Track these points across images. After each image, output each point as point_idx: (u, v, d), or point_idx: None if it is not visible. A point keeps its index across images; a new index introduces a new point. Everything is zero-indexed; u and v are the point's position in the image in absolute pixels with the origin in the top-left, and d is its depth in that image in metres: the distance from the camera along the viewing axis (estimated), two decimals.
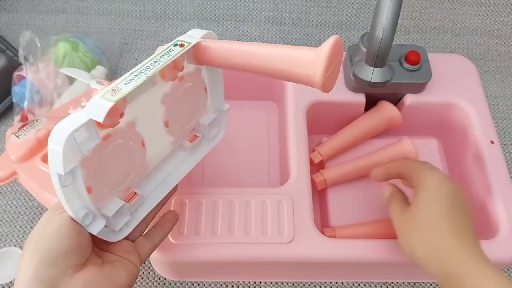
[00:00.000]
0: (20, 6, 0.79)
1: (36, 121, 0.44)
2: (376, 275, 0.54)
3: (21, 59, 0.65)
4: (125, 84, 0.33)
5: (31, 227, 0.58)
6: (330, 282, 0.55)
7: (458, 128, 0.60)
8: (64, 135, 0.30)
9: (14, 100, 0.62)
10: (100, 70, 0.67)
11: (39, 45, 0.66)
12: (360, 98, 0.58)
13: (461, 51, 0.76)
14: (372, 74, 0.51)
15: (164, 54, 0.36)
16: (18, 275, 0.33)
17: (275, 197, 0.49)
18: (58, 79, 0.63)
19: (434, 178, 0.42)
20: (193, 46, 0.38)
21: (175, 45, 0.37)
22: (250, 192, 0.50)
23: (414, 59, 0.56)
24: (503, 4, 0.77)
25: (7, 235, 0.58)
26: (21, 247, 0.57)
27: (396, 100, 0.60)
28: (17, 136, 0.43)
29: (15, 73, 0.63)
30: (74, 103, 0.48)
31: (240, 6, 0.78)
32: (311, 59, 0.33)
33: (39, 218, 0.59)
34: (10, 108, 0.67)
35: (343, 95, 0.58)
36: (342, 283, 0.55)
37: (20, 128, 0.44)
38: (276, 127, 0.65)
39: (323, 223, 0.57)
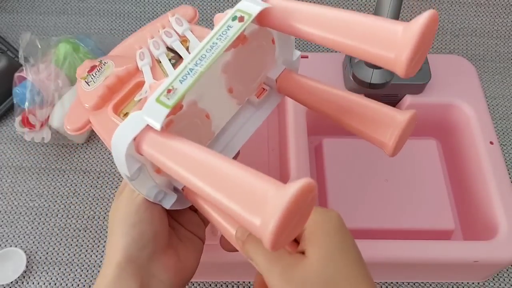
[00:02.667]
0: (21, 7, 0.79)
1: (104, 64, 0.42)
2: (376, 275, 0.55)
3: (22, 60, 0.65)
4: (180, 81, 0.30)
5: (32, 228, 0.59)
6: None
7: (457, 129, 0.60)
8: (124, 144, 0.30)
9: (14, 101, 0.62)
10: None
11: (39, 46, 0.66)
12: None
13: (460, 52, 0.76)
14: (372, 75, 0.52)
15: (222, 35, 0.31)
16: (108, 255, 0.35)
17: None
18: (59, 80, 0.63)
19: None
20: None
21: (234, 18, 0.32)
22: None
23: None
24: (502, 5, 0.77)
25: (8, 236, 0.58)
26: (21, 248, 0.57)
27: (396, 101, 0.61)
28: (87, 83, 0.42)
29: (16, 74, 0.64)
30: (138, 37, 0.45)
31: None
32: (398, 37, 0.27)
33: (40, 219, 0.59)
34: (11, 109, 0.67)
35: None
36: None
37: (89, 73, 0.42)
38: (276, 127, 0.65)
39: None
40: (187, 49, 0.41)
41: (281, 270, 0.29)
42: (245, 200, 0.25)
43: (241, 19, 0.31)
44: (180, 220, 0.40)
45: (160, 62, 0.41)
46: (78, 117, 0.40)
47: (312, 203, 0.25)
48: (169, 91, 0.30)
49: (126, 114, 0.39)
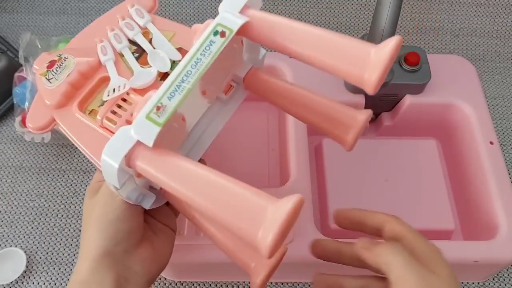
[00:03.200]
0: (21, 7, 0.79)
1: (64, 59, 0.41)
2: None
3: (22, 60, 0.65)
4: (169, 98, 0.31)
5: (32, 228, 0.59)
6: None
7: (457, 129, 0.60)
8: (116, 160, 0.31)
9: (15, 101, 0.62)
10: None
11: (39, 46, 0.66)
12: (359, 99, 0.58)
13: (460, 52, 0.76)
14: None
15: (205, 50, 0.33)
16: (83, 251, 0.36)
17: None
18: None
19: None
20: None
21: (215, 33, 0.33)
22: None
23: (414, 60, 0.56)
24: (502, 5, 0.77)
25: (8, 236, 0.58)
26: (21, 248, 0.57)
27: (396, 101, 0.61)
28: (48, 80, 0.41)
29: (16, 74, 0.64)
30: (96, 28, 0.44)
31: None
32: (370, 57, 0.29)
33: (40, 219, 0.59)
34: (11, 109, 0.67)
35: (342, 96, 0.58)
36: None
37: (48, 69, 0.41)
38: (276, 127, 0.65)
39: (323, 223, 0.57)
40: (150, 41, 0.42)
41: (421, 269, 0.32)
42: (245, 215, 0.28)
43: (222, 34, 0.33)
44: (153, 213, 0.41)
45: (123, 56, 0.41)
46: (41, 115, 0.40)
47: (298, 213, 0.27)
48: (158, 108, 0.31)
49: (92, 111, 0.39)
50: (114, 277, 0.34)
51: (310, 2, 0.78)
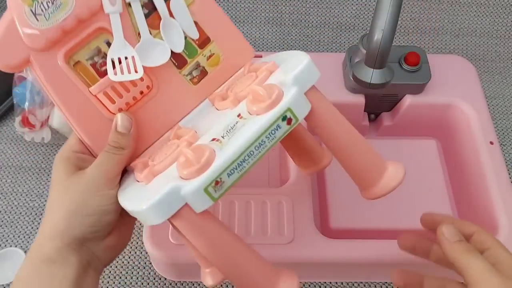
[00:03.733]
0: None
1: None
2: (376, 275, 0.55)
3: None
4: (228, 175, 0.30)
5: (32, 228, 0.58)
6: (330, 282, 0.55)
7: (457, 128, 0.60)
8: (160, 219, 0.30)
9: (14, 101, 0.62)
10: None
11: None
12: (359, 99, 0.58)
13: (460, 52, 0.76)
14: (372, 75, 0.52)
15: (271, 134, 0.31)
16: (52, 226, 0.34)
17: (275, 197, 0.49)
18: None
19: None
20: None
21: (284, 118, 0.32)
22: (250, 192, 0.50)
23: (414, 60, 0.56)
24: (502, 5, 0.77)
25: (8, 236, 0.58)
26: (21, 248, 0.57)
27: (396, 101, 0.61)
28: (34, 14, 0.31)
29: (16, 74, 0.63)
30: None
31: (240, 7, 0.78)
32: (384, 175, 0.37)
33: (40, 219, 0.59)
34: (11, 109, 0.67)
35: (342, 96, 0.58)
36: (342, 283, 0.55)
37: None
38: None
39: (323, 223, 0.57)
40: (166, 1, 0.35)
41: (502, 276, 0.32)
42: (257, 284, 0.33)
43: (289, 121, 0.32)
44: None
45: (130, 6, 0.34)
46: (14, 51, 0.32)
47: None
48: (217, 183, 0.30)
49: (77, 63, 0.34)
50: (78, 259, 0.34)
51: (310, 2, 0.78)
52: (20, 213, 0.60)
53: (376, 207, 0.58)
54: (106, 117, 0.35)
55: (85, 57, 0.34)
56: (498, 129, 0.68)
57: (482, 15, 0.78)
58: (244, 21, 0.78)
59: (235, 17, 0.78)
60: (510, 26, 0.77)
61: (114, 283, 0.54)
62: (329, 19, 0.78)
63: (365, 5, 0.78)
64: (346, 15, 0.78)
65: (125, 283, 0.54)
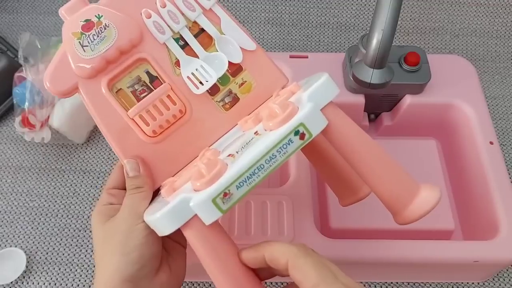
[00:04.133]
0: (21, 7, 0.79)
1: (105, 27, 0.36)
2: (376, 275, 0.55)
3: (21, 60, 0.65)
4: (237, 187, 0.31)
5: (32, 228, 0.59)
6: None
7: (457, 129, 0.60)
8: (170, 228, 0.31)
9: (14, 101, 0.62)
10: None
11: (39, 46, 0.65)
12: (359, 99, 0.58)
13: (460, 52, 0.76)
14: (372, 75, 0.52)
15: (282, 148, 0.31)
16: (102, 275, 0.35)
17: (275, 197, 0.49)
18: None
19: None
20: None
21: (296, 132, 0.32)
22: (250, 192, 0.50)
23: (414, 60, 0.56)
24: (502, 5, 0.77)
25: (8, 236, 0.58)
26: (21, 248, 0.57)
27: (396, 101, 0.61)
28: (82, 46, 0.36)
29: (16, 74, 0.63)
30: None
31: (240, 7, 0.78)
32: (415, 201, 0.37)
33: (40, 219, 0.59)
34: (11, 109, 0.67)
35: (342, 96, 0.58)
36: None
37: (84, 32, 0.36)
38: None
39: (323, 223, 0.57)
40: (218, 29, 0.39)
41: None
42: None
43: (302, 136, 0.32)
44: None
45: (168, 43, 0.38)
46: (65, 78, 0.36)
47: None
48: (225, 194, 0.30)
49: (119, 90, 0.38)
50: None
51: (310, 2, 0.78)
52: (20, 213, 0.60)
53: (376, 207, 0.57)
54: (141, 139, 0.38)
55: (127, 85, 0.38)
56: (498, 129, 0.68)
57: (482, 15, 0.78)
58: (244, 21, 0.78)
59: (235, 17, 0.77)
60: (510, 26, 0.77)
61: None
62: (329, 19, 0.78)
63: (365, 5, 0.78)
64: (346, 15, 0.78)
65: None
